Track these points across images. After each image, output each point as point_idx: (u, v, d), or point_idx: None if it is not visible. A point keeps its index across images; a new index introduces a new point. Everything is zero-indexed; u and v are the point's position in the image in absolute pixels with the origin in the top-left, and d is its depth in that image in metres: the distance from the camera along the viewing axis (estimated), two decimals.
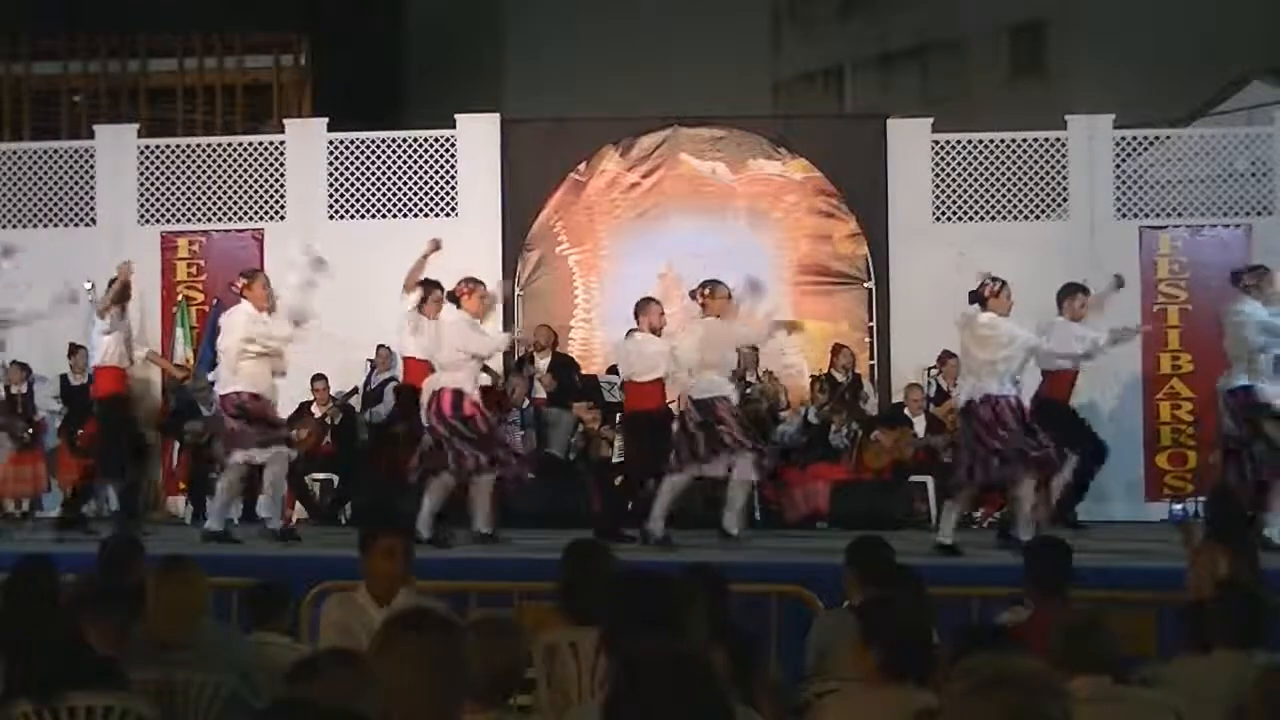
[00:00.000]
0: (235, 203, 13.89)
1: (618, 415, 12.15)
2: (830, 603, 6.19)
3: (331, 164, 13.84)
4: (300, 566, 7.80)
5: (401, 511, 9.26)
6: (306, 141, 13.97)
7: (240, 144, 14.23)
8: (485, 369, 10.72)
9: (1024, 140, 13.60)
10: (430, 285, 10.32)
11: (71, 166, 14.08)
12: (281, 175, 13.90)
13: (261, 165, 13.92)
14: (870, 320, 13.62)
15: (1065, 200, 13.51)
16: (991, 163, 13.56)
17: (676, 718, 2.57)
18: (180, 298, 13.69)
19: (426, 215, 13.73)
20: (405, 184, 13.82)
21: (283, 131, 14.45)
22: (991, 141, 13.62)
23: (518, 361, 12.61)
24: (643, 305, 10.14)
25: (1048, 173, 13.52)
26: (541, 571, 6.45)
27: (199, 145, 14.26)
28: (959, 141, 13.64)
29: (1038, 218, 13.49)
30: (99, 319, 10.48)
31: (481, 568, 8.25)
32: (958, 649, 3.99)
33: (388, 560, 5.21)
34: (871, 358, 13.58)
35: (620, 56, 21.58)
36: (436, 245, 10.50)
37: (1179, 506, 12.28)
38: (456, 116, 13.99)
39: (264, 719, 2.99)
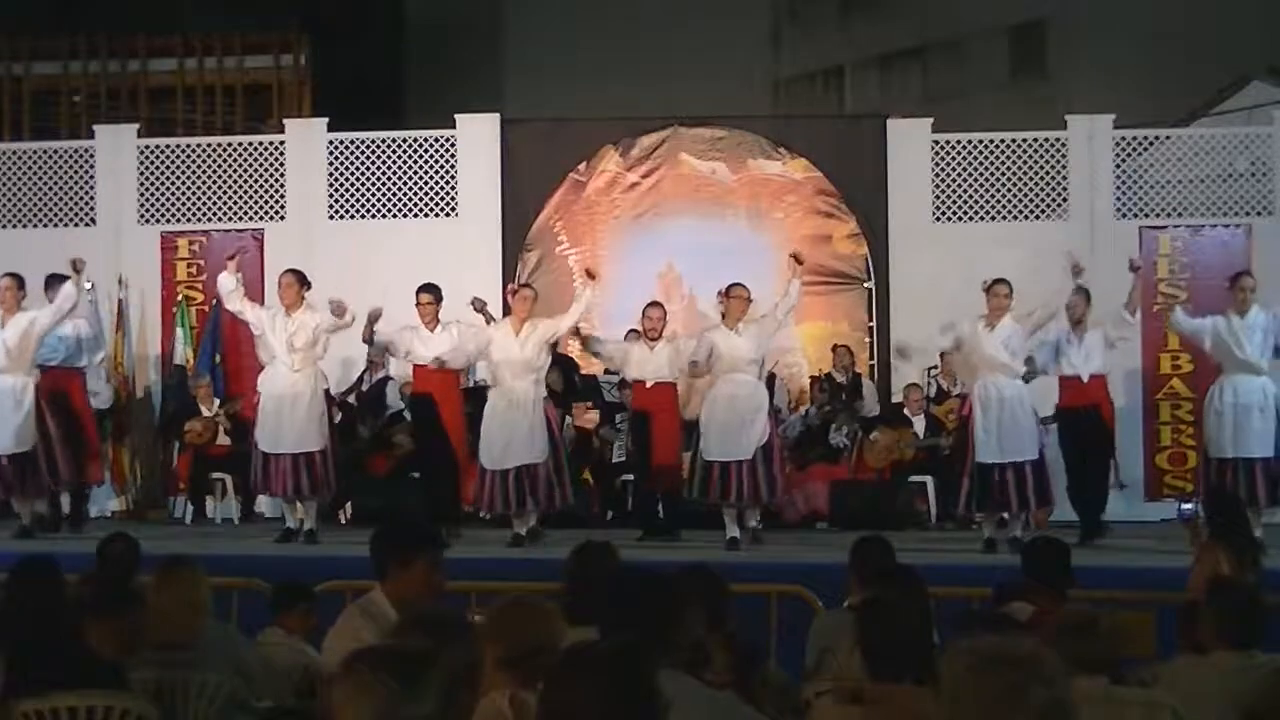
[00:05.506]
0: (235, 203, 13.87)
1: (617, 415, 12.15)
2: (830, 603, 6.19)
3: (331, 164, 13.82)
4: (300, 566, 7.80)
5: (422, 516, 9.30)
6: (306, 141, 13.96)
7: (240, 144, 14.21)
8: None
9: (1024, 140, 13.59)
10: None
11: (71, 166, 14.06)
12: (281, 175, 13.88)
13: (261, 165, 13.91)
14: (870, 320, 13.62)
15: (1065, 200, 13.50)
16: (991, 163, 13.55)
17: (601, 714, 2.62)
18: (180, 298, 13.65)
19: (426, 215, 13.73)
20: (405, 184, 13.80)
21: (283, 131, 14.43)
22: (991, 141, 13.60)
23: None
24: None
25: (1048, 173, 13.50)
26: (541, 571, 6.46)
27: (199, 145, 14.24)
28: (959, 141, 13.63)
29: (1038, 218, 13.47)
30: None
31: (482, 568, 8.25)
32: (958, 632, 3.98)
33: (432, 575, 4.67)
34: (871, 358, 13.58)
35: (620, 56, 21.59)
36: (376, 315, 10.33)
37: (1187, 506, 12.25)
38: (456, 116, 13.98)
39: None
